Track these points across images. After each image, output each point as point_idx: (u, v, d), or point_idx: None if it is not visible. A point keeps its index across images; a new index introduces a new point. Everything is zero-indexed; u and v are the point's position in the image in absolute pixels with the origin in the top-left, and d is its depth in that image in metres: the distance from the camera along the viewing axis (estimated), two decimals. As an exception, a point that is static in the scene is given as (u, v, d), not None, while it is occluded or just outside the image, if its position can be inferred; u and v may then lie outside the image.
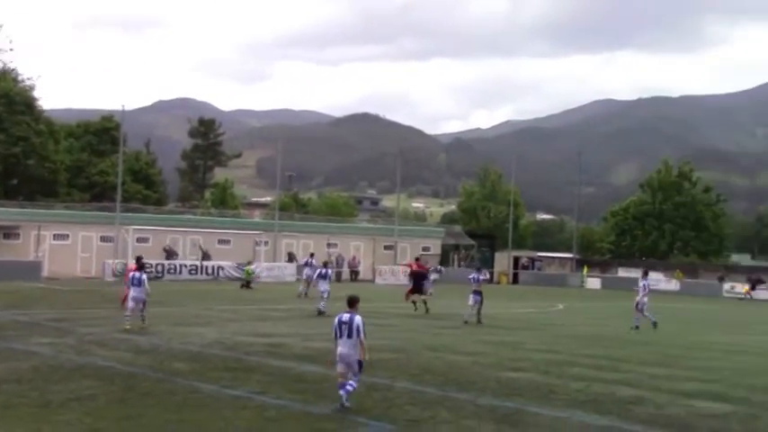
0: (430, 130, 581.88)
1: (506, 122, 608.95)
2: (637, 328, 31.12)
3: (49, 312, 29.17)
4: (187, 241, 60.84)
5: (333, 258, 59.69)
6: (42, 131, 74.92)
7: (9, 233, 55.17)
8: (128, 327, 23.88)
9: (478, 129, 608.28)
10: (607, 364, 20.61)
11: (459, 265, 71.73)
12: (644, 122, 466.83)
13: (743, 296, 65.43)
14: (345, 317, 13.49)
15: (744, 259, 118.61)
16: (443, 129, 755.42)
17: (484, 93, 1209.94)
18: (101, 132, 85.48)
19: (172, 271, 54.48)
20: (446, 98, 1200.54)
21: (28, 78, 79.34)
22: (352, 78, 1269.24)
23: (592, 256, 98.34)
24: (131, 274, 25.46)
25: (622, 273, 76.19)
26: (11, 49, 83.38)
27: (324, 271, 33.82)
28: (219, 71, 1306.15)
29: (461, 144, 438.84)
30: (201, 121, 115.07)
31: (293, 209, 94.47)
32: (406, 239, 72.17)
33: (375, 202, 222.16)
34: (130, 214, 60.70)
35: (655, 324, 31.47)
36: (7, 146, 72.09)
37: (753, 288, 66.39)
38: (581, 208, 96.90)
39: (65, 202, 68.93)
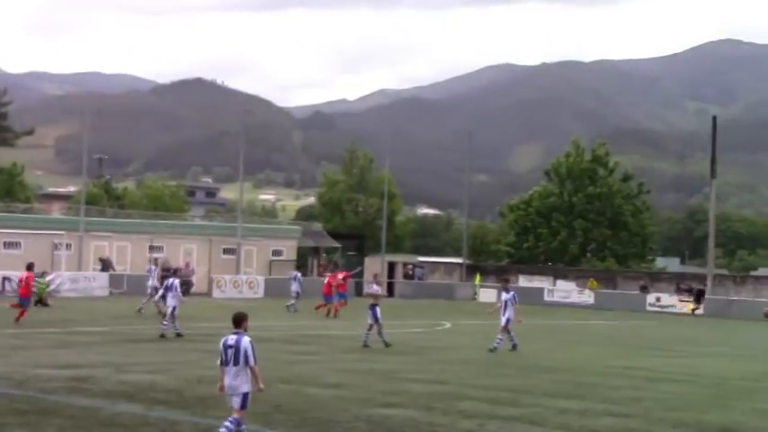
0: (282, 101, 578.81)
1: (379, 92, 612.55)
2: (495, 349, 31.71)
3: None
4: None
5: (182, 264, 60.91)
6: None
7: None
8: None
9: (344, 100, 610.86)
10: (506, 397, 20.98)
11: (320, 273, 71.77)
12: (549, 93, 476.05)
13: (689, 313, 65.75)
14: (231, 339, 13.58)
15: (672, 264, 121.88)
16: (299, 100, 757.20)
17: (351, 54, 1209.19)
18: None
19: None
20: (303, 61, 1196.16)
21: None
22: (181, 33, 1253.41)
23: (486, 261, 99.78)
24: None
25: (524, 282, 77.41)
26: None
27: (170, 282, 34.09)
28: (5, 22, 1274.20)
29: (322, 119, 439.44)
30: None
31: (104, 202, 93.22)
32: (252, 241, 71.82)
33: (211, 194, 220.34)
34: None
35: (515, 346, 32.38)
36: None
37: (698, 301, 66.85)
38: (472, 201, 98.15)
39: None
